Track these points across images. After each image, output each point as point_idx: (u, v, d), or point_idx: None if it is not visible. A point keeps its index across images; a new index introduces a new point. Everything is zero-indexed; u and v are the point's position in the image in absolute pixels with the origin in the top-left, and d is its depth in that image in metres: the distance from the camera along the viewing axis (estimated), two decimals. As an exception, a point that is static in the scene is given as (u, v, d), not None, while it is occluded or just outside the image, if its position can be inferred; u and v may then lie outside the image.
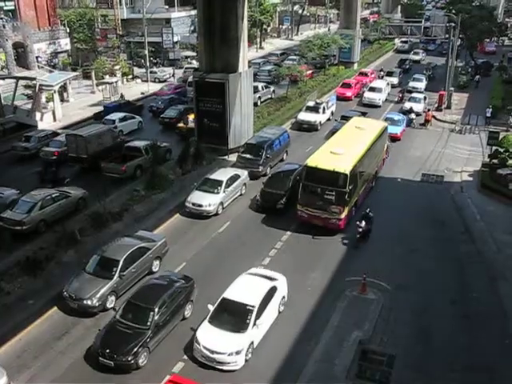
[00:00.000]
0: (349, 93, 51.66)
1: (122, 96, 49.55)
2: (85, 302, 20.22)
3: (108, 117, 41.67)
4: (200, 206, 28.02)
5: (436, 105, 48.79)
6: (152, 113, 46.44)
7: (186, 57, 66.16)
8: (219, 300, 19.17)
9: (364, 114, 41.44)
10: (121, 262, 21.30)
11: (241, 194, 30.47)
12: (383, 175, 33.35)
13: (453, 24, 50.30)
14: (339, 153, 26.82)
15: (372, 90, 50.44)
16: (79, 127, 39.43)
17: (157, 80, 59.26)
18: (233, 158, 34.73)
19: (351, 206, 26.63)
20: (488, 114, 44.15)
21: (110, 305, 20.78)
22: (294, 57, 63.59)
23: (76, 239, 24.83)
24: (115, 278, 21.05)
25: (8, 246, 24.15)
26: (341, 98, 49.89)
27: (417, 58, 71.97)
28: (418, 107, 46.29)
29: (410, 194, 31.18)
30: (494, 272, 23.71)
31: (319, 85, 54.09)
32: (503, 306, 21.38)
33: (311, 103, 43.92)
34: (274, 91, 50.86)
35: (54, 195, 27.75)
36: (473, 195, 31.48)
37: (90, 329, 19.66)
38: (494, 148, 34.83)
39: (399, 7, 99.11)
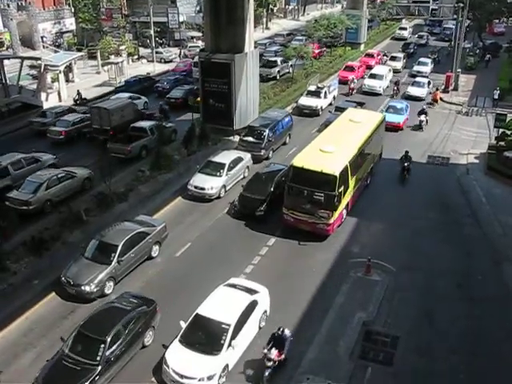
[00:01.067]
0: (351, 76, 49.50)
1: (79, 94, 44.61)
2: (82, 287, 19.95)
3: (114, 96, 41.65)
4: (202, 189, 27.70)
5: (443, 86, 48.29)
6: (158, 93, 46.22)
7: (192, 37, 65.66)
8: (192, 316, 17.38)
9: (361, 105, 39.23)
10: (119, 247, 20.94)
11: (244, 177, 29.81)
12: (389, 157, 33.12)
13: (461, 4, 49.59)
14: (329, 151, 24.52)
15: (373, 76, 47.69)
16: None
17: (162, 60, 58.93)
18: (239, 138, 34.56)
19: (341, 209, 24.45)
20: (495, 96, 43.63)
21: (108, 290, 20.47)
22: (301, 37, 63.06)
23: (82, 219, 24.87)
24: (113, 263, 20.69)
25: (14, 225, 24.13)
26: (344, 82, 47.89)
27: (422, 41, 69.49)
28: (422, 91, 45.45)
29: (415, 176, 30.92)
30: (499, 255, 23.61)
31: (325, 66, 53.55)
32: (508, 288, 21.32)
33: (312, 87, 42.90)
34: (291, 66, 51.15)
35: (59, 175, 27.72)
36: (479, 178, 31.24)
37: (95, 306, 19.75)
38: (501, 130, 34.49)
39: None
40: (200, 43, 60.80)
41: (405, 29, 75.72)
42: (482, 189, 29.76)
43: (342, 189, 23.59)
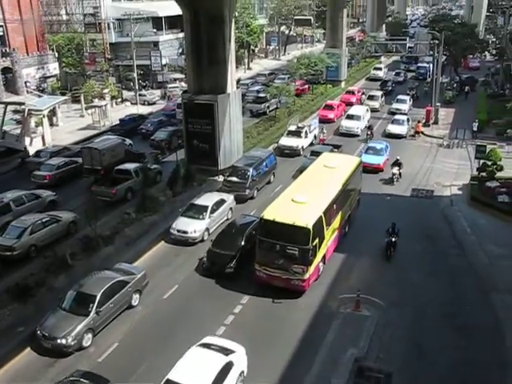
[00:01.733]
0: (331, 115, 49.88)
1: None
2: (59, 341, 19.12)
3: (99, 139, 41.71)
4: (185, 232, 27.22)
5: (423, 120, 49.09)
6: (141, 135, 46.38)
7: (175, 79, 66.37)
8: (163, 382, 16.18)
9: (338, 148, 38.07)
10: (98, 298, 20.31)
11: (227, 219, 29.43)
12: (373, 191, 33.34)
13: (436, 41, 50.96)
14: (301, 201, 23.01)
15: (350, 117, 46.88)
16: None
17: (146, 103, 59.29)
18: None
19: (317, 262, 22.85)
20: (475, 128, 44.51)
21: (86, 343, 19.71)
22: (283, 76, 63.95)
23: (67, 264, 24.48)
24: (92, 314, 19.99)
25: (-2, 272, 23.72)
26: (323, 121, 47.77)
27: (399, 78, 69.08)
28: (402, 129, 45.20)
29: (400, 209, 31.07)
30: (486, 284, 23.68)
31: (307, 104, 54.24)
32: (497, 318, 21.28)
33: (293, 127, 42.47)
34: (280, 101, 52.92)
35: (44, 220, 27.47)
36: (463, 209, 31.53)
37: (82, 355, 19.32)
38: (482, 161, 34.97)
39: (384, 26, 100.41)
40: (179, 84, 61.67)
41: (379, 69, 73.70)
42: (467, 219, 30.00)
43: (316, 241, 22.16)
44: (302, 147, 41.11)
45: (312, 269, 22.36)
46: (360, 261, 25.65)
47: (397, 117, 47.76)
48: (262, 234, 22.58)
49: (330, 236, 24.55)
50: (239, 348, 18.02)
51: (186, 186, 33.51)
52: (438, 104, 50.60)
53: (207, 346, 17.63)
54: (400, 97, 54.49)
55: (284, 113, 50.15)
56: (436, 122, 49.38)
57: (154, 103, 59.60)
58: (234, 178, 32.79)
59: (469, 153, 40.58)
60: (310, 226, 21.66)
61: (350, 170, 27.87)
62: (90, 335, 19.94)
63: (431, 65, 61.70)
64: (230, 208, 30.24)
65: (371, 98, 55.59)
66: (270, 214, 22.61)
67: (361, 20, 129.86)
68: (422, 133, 46.33)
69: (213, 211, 28.41)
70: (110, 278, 21.55)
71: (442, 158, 40.42)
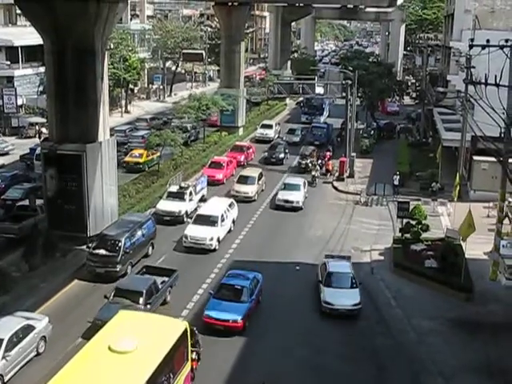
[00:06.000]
0: (219, 175, 48.71)
1: None
2: None
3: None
4: None
5: (337, 174, 51.04)
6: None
7: (35, 123, 65.04)
8: None
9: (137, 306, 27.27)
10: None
11: (37, 354, 24.67)
12: (278, 260, 34.05)
13: (349, 81, 53.90)
14: None
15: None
16: None
17: (-5, 153, 57.46)
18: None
19: None
20: (396, 182, 46.71)
21: None
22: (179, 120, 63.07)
23: None
24: None
25: None
26: (209, 182, 46.33)
27: (295, 138, 64.69)
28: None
29: (311, 281, 31.71)
30: (416, 366, 24.69)
31: (197, 155, 54.54)
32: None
33: (174, 188, 41.97)
34: (199, 132, 59.72)
35: None
36: (385, 277, 32.83)
37: None
38: (405, 221, 36.64)
39: (289, 63, 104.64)
40: (44, 130, 60.48)
41: (269, 127, 68.13)
42: (390, 290, 31.25)
43: None
44: (186, 212, 40.33)
45: None
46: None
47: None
48: None
49: None
50: None
51: (47, 257, 32.51)
52: (354, 154, 52.93)
53: None
54: (289, 180, 47.10)
55: (169, 166, 49.84)
56: (352, 176, 51.57)
57: (6, 153, 57.79)
58: (102, 251, 31.59)
59: (390, 211, 42.75)
60: None
61: (161, 355, 19.64)
62: None
63: (330, 125, 65.46)
64: (43, 337, 24.98)
65: (245, 179, 46.35)
66: None
67: (262, 55, 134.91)
68: (336, 188, 48.45)
69: (9, 349, 22.88)
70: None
71: (359, 218, 42.14)
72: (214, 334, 26.16)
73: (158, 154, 50.43)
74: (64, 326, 26.53)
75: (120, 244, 31.81)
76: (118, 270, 31.34)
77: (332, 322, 28.04)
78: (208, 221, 36.40)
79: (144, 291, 27.11)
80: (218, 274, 32.40)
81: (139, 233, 33.77)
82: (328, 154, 49.14)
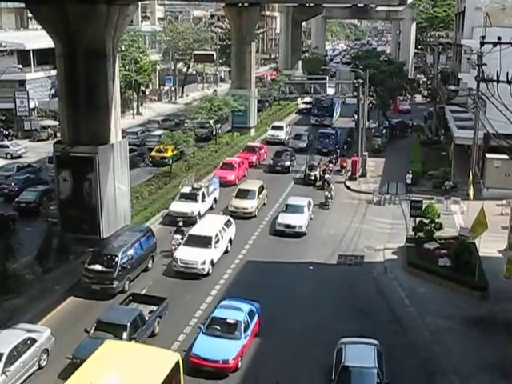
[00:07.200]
0: (231, 176, 48.49)
1: None
2: None
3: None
4: None
5: (349, 173, 51.04)
6: (3, 196, 45.04)
7: (48, 126, 65.44)
8: None
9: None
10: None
11: (40, 368, 24.33)
12: (291, 260, 33.98)
13: (361, 80, 53.76)
14: None
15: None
16: None
17: (9, 156, 57.82)
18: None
19: None
20: (408, 181, 46.62)
21: None
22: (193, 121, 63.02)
23: None
24: None
25: None
26: (221, 183, 45.81)
27: (301, 144, 61.68)
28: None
29: (324, 281, 31.80)
30: (430, 365, 24.58)
31: (210, 156, 54.66)
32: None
33: (186, 189, 41.74)
34: (220, 127, 61.60)
35: None
36: (399, 276, 32.73)
37: None
38: (418, 219, 36.59)
39: (300, 63, 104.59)
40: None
41: (280, 128, 66.96)
42: (404, 289, 31.16)
43: None
44: (199, 213, 40.00)
45: None
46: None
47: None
48: None
49: None
50: None
51: (60, 260, 32.67)
52: (366, 153, 52.90)
53: None
54: (292, 201, 41.66)
55: (181, 167, 50.17)
56: (364, 175, 51.53)
57: (19, 156, 58.16)
58: (98, 266, 30.53)
59: (403, 210, 42.64)
60: None
61: None
62: None
63: (338, 131, 64.28)
64: (45, 350, 24.62)
65: (245, 193, 42.87)
66: None
67: (273, 56, 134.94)
68: (349, 188, 48.43)
69: (9, 363, 22.50)
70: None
71: (372, 217, 42.08)
72: (203, 376, 23.50)
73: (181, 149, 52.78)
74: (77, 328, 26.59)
75: (117, 259, 30.47)
76: (114, 286, 29.99)
77: (341, 319, 27.73)
78: (200, 242, 33.48)
79: (128, 324, 24.40)
80: (213, 301, 29.47)
81: (137, 246, 32.25)
82: (330, 165, 48.94)
